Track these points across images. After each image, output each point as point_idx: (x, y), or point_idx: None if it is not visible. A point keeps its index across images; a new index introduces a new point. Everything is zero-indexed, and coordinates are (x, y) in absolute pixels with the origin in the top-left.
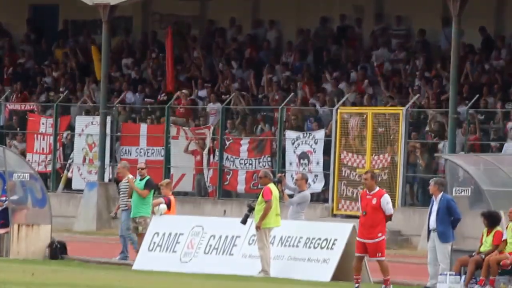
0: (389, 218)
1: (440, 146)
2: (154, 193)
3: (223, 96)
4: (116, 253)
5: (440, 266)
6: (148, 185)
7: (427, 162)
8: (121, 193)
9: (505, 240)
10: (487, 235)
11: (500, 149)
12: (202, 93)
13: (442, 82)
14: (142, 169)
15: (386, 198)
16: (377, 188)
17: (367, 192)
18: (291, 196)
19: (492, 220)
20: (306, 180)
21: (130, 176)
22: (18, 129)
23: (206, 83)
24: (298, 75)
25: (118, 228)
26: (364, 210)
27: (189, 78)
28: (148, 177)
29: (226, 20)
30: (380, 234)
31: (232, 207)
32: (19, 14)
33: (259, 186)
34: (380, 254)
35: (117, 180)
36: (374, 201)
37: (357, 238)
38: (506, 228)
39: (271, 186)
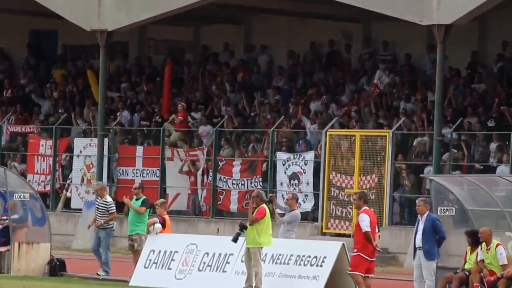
0: (365, 235)
1: (426, 170)
2: (149, 212)
3: (215, 119)
4: (112, 270)
5: (426, 283)
6: (145, 204)
7: (413, 183)
8: (98, 212)
9: (482, 260)
10: (470, 253)
11: (484, 171)
12: (197, 115)
13: (427, 105)
14: (135, 188)
15: (361, 217)
16: (363, 208)
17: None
18: (282, 215)
19: (475, 238)
20: (297, 199)
21: (126, 198)
22: (19, 150)
23: (200, 105)
24: (288, 98)
25: (115, 245)
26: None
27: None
28: (144, 197)
29: (219, 45)
30: (355, 250)
31: (225, 225)
32: (20, 39)
33: (254, 205)
34: (350, 269)
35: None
36: (356, 220)
37: None
38: (480, 248)
39: (265, 206)
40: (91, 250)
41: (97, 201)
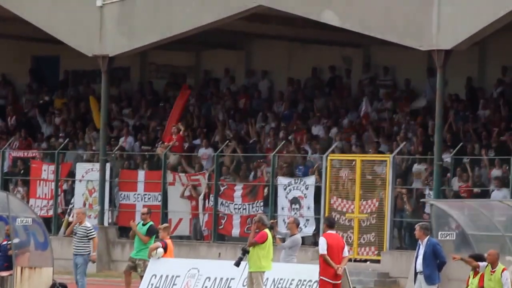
0: (321, 258)
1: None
2: (154, 238)
3: (217, 145)
4: None
5: None
6: (150, 231)
7: (413, 207)
8: (76, 237)
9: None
10: (473, 277)
11: (483, 195)
12: (197, 141)
13: (427, 130)
14: (144, 214)
15: (319, 241)
16: (327, 232)
17: None
18: (282, 240)
19: (479, 262)
20: (298, 224)
21: (132, 222)
22: (22, 175)
23: (200, 129)
24: (289, 123)
25: (117, 270)
26: None
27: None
28: (151, 222)
29: (220, 70)
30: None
31: (226, 250)
32: (22, 65)
33: (257, 230)
34: None
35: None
36: None
37: None
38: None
39: (267, 231)
40: (75, 280)
41: (75, 227)
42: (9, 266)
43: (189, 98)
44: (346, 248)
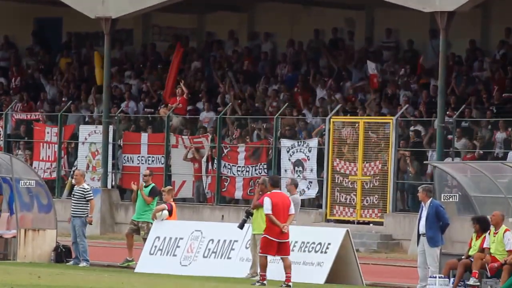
0: (266, 217)
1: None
2: (157, 200)
3: (219, 108)
4: (120, 257)
5: (429, 269)
6: (153, 192)
7: (416, 169)
8: (74, 199)
9: (488, 248)
10: (476, 239)
11: (485, 157)
12: (200, 105)
13: (429, 92)
14: (146, 175)
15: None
16: (272, 191)
17: None
18: None
19: (483, 224)
20: (296, 185)
21: (135, 184)
22: (26, 138)
23: (203, 92)
24: (292, 85)
25: (120, 232)
26: None
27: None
28: (153, 184)
29: (223, 33)
30: (263, 233)
31: (229, 212)
32: (25, 27)
33: (260, 192)
34: (260, 251)
35: (73, 185)
36: None
37: None
38: (488, 234)
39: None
40: (71, 242)
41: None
42: None
43: (184, 55)
44: (292, 206)
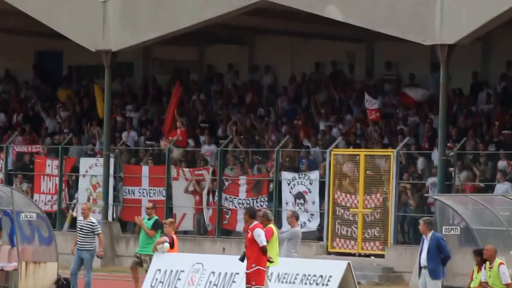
0: (262, 249)
1: (429, 181)
2: (160, 233)
3: (221, 140)
4: None
5: None
6: (156, 225)
7: (417, 202)
8: (81, 233)
9: (486, 282)
10: (477, 272)
11: (486, 189)
12: (203, 138)
13: (431, 125)
14: (149, 208)
15: (257, 232)
16: (254, 223)
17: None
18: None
19: (483, 257)
20: (297, 217)
21: (138, 217)
22: (27, 170)
23: (203, 124)
24: (292, 118)
25: (121, 265)
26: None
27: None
28: (156, 217)
29: (223, 65)
30: (253, 265)
31: (230, 245)
32: (26, 60)
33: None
34: (254, 283)
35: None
36: (249, 235)
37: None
38: (484, 268)
39: (272, 226)
40: (70, 272)
41: (80, 221)
42: None
43: (182, 95)
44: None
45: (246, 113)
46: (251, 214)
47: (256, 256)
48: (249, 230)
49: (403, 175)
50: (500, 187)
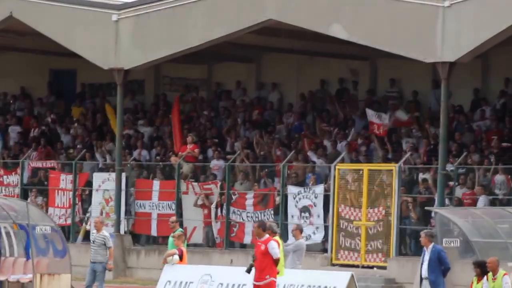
0: (276, 261)
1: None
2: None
3: (229, 155)
4: None
5: None
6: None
7: (419, 215)
8: (94, 245)
9: None
10: (477, 283)
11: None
12: (210, 153)
13: (435, 140)
14: (172, 222)
15: (271, 244)
16: (266, 236)
17: (257, 239)
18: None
19: (483, 268)
20: (301, 230)
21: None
22: (41, 185)
23: (213, 139)
24: (298, 133)
25: (132, 276)
26: (255, 255)
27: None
28: (181, 229)
29: (231, 83)
30: (267, 276)
31: (238, 257)
32: (40, 78)
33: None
34: None
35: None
36: (262, 247)
37: (253, 282)
38: (486, 278)
39: (277, 238)
40: (85, 285)
41: (93, 234)
42: None
43: (180, 107)
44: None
45: (253, 129)
46: (264, 227)
47: (270, 268)
48: (261, 243)
49: (407, 189)
50: (481, 201)
